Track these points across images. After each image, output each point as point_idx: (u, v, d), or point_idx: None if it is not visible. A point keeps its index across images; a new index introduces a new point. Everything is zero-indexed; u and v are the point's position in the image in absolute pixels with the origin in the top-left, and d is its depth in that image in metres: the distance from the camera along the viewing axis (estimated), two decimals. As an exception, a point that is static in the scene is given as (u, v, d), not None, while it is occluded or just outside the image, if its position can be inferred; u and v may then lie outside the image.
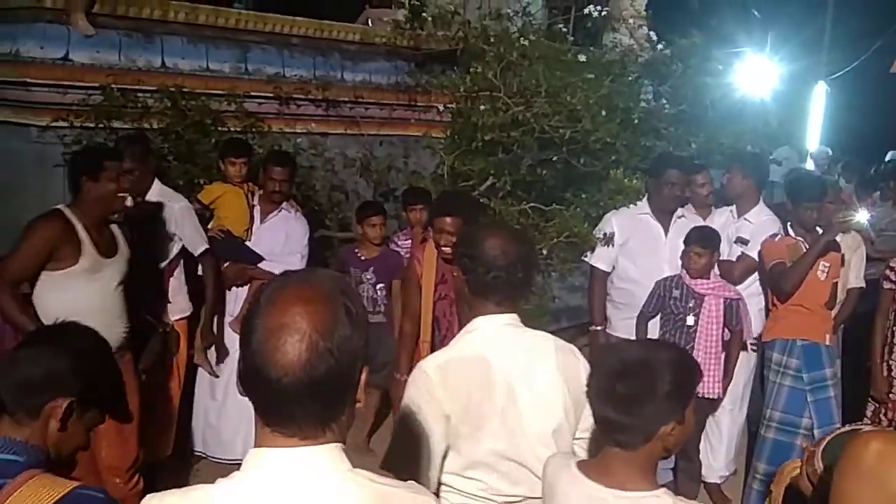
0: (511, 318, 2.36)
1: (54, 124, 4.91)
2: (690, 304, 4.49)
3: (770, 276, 4.63)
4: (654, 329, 4.61)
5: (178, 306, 4.50)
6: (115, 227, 3.75)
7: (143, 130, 5.02)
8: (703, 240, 4.49)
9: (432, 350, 4.04)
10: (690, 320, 4.48)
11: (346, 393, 1.34)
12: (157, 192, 4.41)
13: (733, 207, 5.03)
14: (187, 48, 5.53)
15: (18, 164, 5.14)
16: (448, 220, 3.83)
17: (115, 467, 3.73)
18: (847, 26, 12.90)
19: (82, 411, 1.97)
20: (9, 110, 5.11)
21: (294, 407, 1.29)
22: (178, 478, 4.37)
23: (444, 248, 3.85)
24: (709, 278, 4.52)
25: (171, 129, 5.17)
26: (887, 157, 10.58)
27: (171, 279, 4.47)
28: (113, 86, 5.03)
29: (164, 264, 4.41)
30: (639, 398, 1.86)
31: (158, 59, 5.40)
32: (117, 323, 3.66)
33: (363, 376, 1.37)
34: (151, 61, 5.37)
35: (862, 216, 5.07)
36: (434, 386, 2.24)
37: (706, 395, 4.45)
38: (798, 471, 2.38)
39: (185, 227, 4.44)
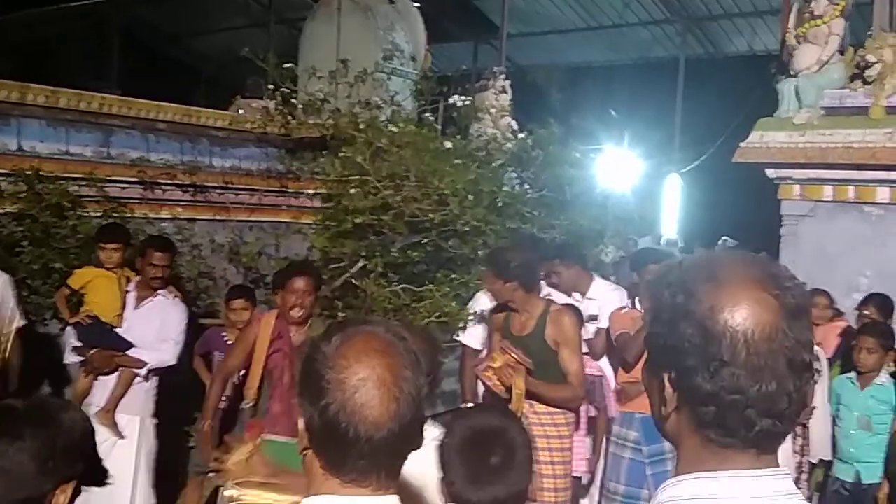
0: None
1: None
2: None
3: (617, 348, 4.65)
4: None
5: None
6: None
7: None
8: None
9: (259, 396, 4.14)
10: None
11: (418, 438, 1.30)
12: None
13: (576, 294, 5.10)
14: (46, 131, 5.39)
15: None
16: (302, 280, 3.97)
17: None
18: (695, 125, 14.02)
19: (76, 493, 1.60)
20: None
21: (380, 459, 1.24)
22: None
23: (296, 310, 3.95)
24: None
25: (25, 212, 4.97)
26: (718, 242, 11.38)
27: None
28: (-37, 168, 4.83)
29: None
30: (512, 464, 1.80)
31: (14, 142, 5.23)
32: None
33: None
34: (7, 144, 5.20)
35: None
36: None
37: (573, 474, 4.37)
38: None
39: (7, 301, 4.30)
